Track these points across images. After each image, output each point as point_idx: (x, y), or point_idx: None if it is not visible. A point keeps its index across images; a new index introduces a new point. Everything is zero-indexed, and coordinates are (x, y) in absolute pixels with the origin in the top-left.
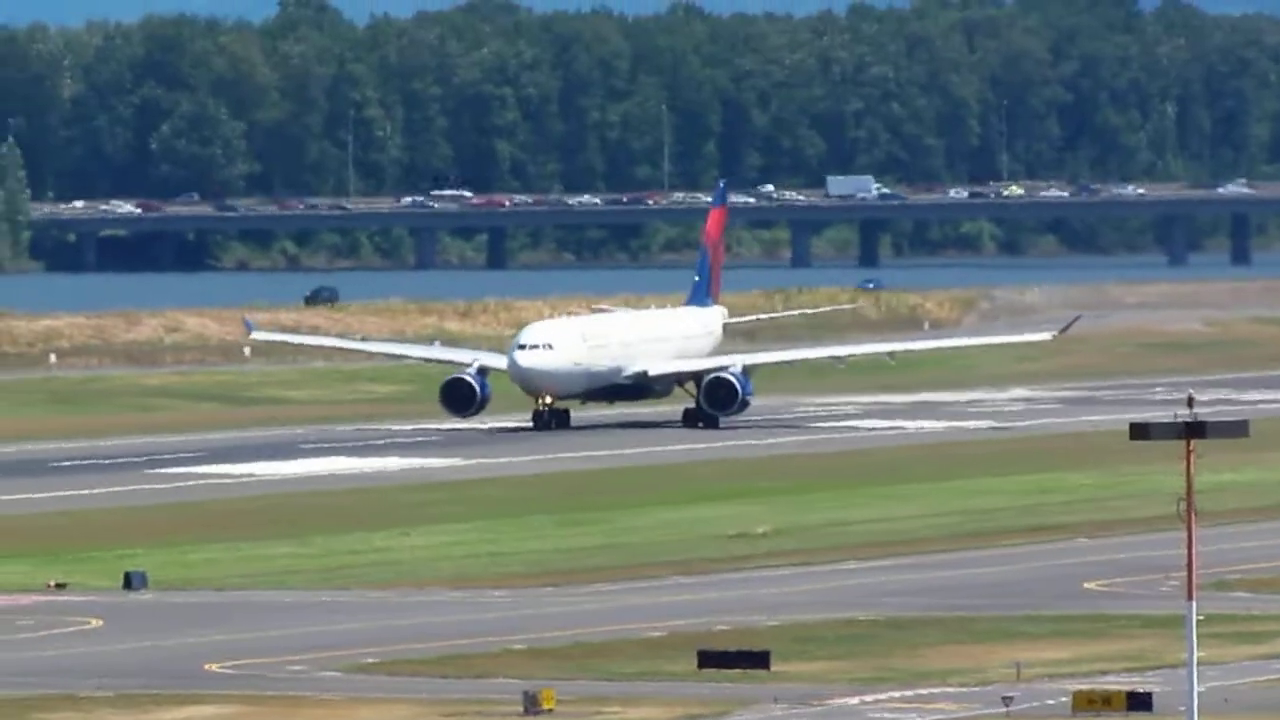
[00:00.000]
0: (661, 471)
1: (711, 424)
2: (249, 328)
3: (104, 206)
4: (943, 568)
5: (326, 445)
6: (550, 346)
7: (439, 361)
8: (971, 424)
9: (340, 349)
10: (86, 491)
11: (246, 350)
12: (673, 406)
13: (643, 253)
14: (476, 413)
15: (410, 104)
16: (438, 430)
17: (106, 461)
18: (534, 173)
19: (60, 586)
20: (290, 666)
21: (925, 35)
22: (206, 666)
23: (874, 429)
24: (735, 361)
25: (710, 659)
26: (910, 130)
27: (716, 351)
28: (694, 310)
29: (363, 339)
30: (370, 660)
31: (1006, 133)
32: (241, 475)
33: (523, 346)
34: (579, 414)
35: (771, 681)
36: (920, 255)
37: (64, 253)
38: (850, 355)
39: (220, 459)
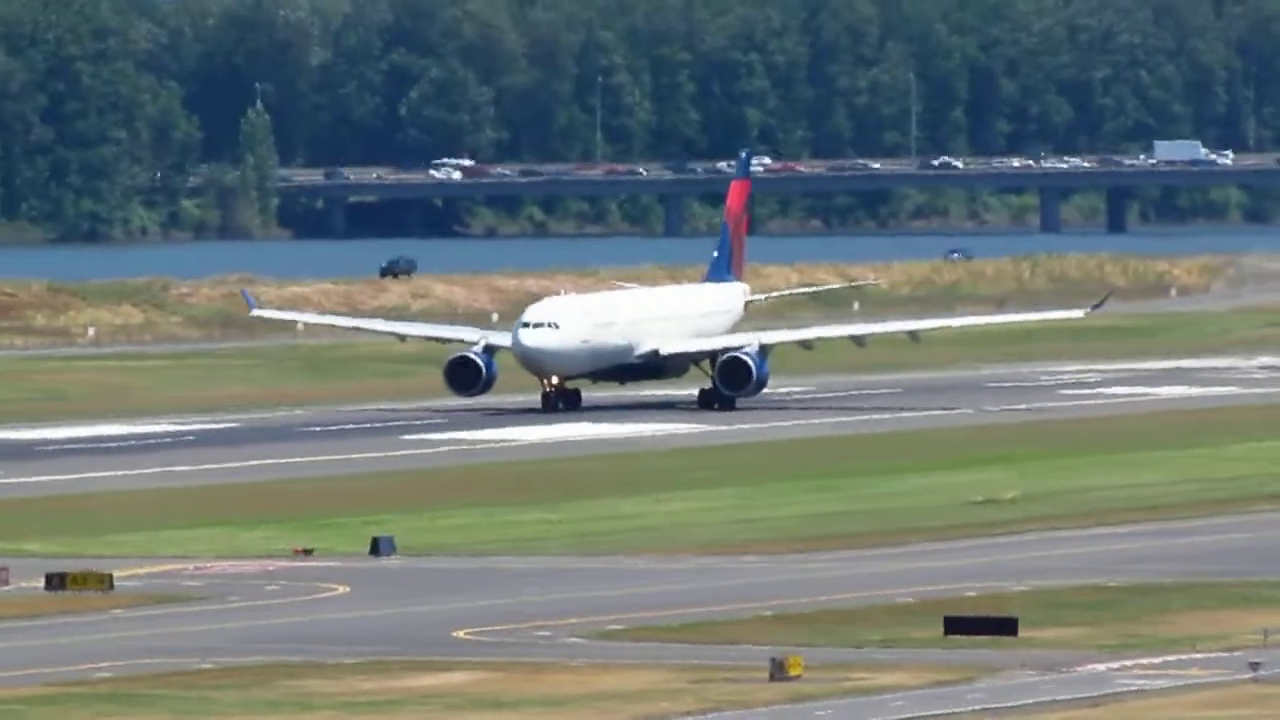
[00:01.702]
0: (911, 437)
1: (727, 405)
2: (250, 304)
3: (352, 173)
4: (1190, 534)
5: (576, 411)
6: (555, 325)
7: (445, 340)
8: (1219, 390)
9: (343, 327)
10: (335, 457)
11: (495, 316)
12: (688, 389)
13: (891, 220)
14: (482, 392)
15: (658, 70)
16: (678, 397)
17: (354, 427)
18: (782, 139)
19: (307, 552)
20: (537, 633)
21: (1172, 2)
22: (454, 633)
23: (1122, 395)
24: (752, 340)
25: (957, 625)
26: (1157, 97)
27: (737, 328)
28: (712, 287)
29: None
30: (616, 627)
31: (1254, 99)
32: (491, 440)
33: (526, 325)
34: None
35: (1019, 648)
36: (1168, 223)
37: (312, 219)
38: (871, 334)
39: (469, 425)
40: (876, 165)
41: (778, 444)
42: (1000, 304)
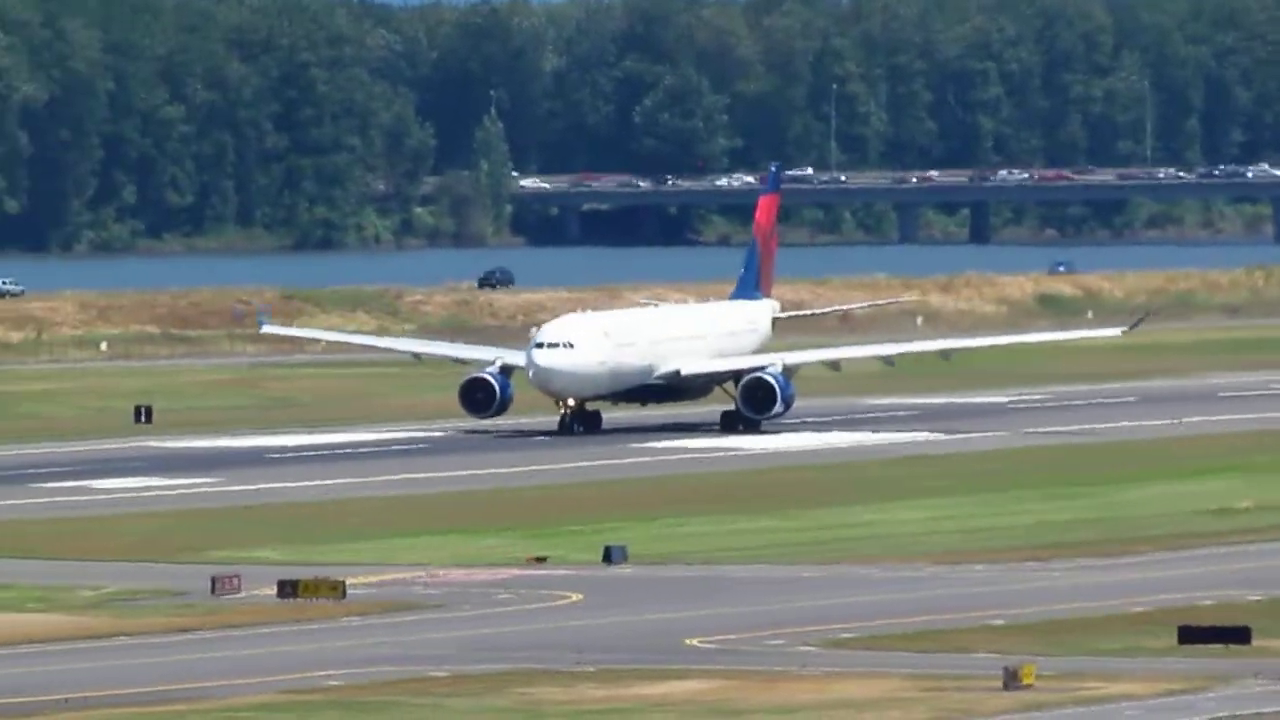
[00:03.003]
0: (1141, 447)
1: (751, 428)
2: (260, 322)
3: (586, 180)
4: None
5: (809, 420)
6: (571, 345)
7: (459, 360)
8: None
9: (359, 345)
10: (568, 465)
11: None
12: (712, 411)
13: (1125, 229)
14: (497, 414)
15: (893, 78)
16: (912, 405)
17: (589, 434)
18: (1016, 148)
19: (540, 560)
20: (769, 641)
21: None
22: (686, 641)
23: None
24: (775, 361)
25: (1191, 635)
26: None
27: (766, 348)
28: (738, 304)
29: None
30: (848, 635)
31: None
32: (723, 449)
33: (541, 345)
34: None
35: (1252, 657)
36: None
37: (546, 226)
38: (898, 354)
39: (701, 433)
40: (1110, 174)
41: (1008, 453)
42: (1234, 312)
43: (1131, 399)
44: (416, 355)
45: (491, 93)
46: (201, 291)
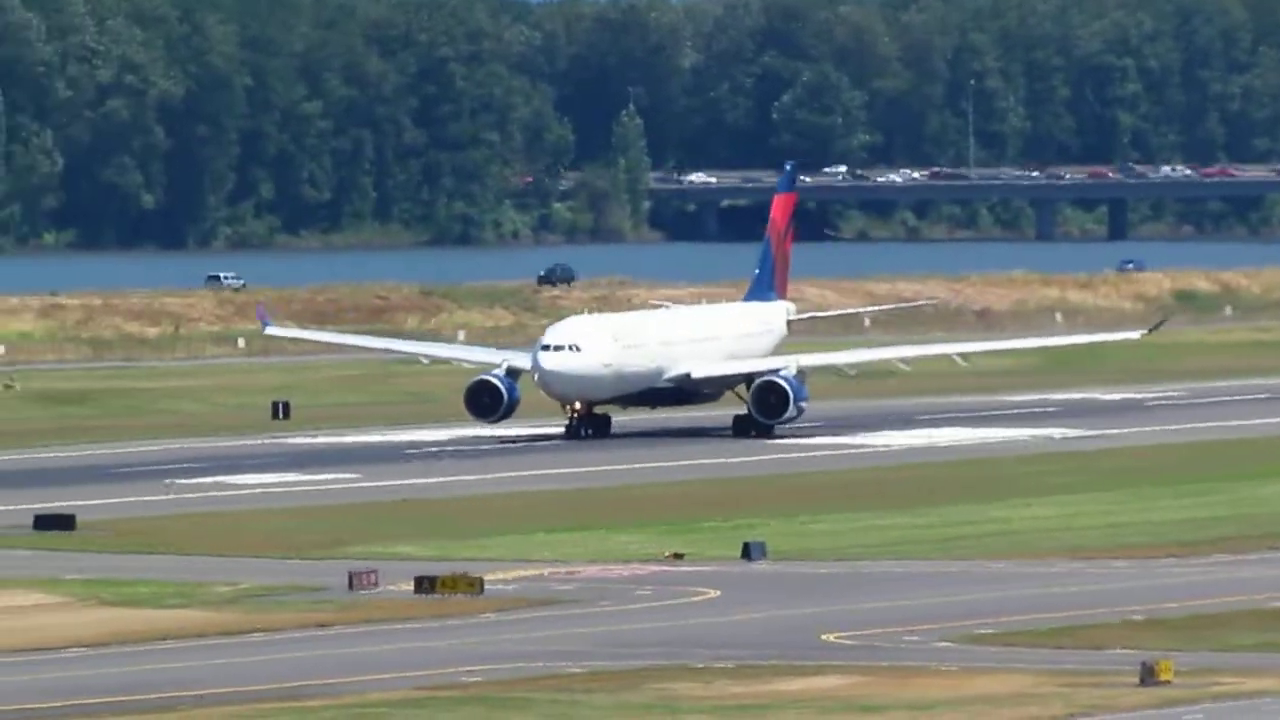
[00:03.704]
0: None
1: (764, 433)
2: (264, 322)
3: (724, 176)
4: None
5: (943, 416)
6: (577, 348)
7: (466, 362)
8: None
9: (363, 346)
10: (706, 461)
11: (867, 322)
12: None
13: (1263, 226)
14: (503, 418)
15: (1032, 74)
16: (1051, 401)
17: (724, 430)
18: (1155, 144)
19: (678, 557)
20: (905, 637)
21: None
22: (824, 637)
23: None
24: (789, 363)
25: None
26: None
27: (780, 350)
28: (752, 306)
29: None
30: (985, 631)
31: None
32: (858, 446)
33: (546, 347)
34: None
35: None
36: None
37: (684, 222)
38: (915, 357)
39: (836, 429)
40: (1248, 171)
41: (1142, 449)
42: None
43: (1263, 395)
44: (424, 358)
45: (629, 88)
46: (339, 287)
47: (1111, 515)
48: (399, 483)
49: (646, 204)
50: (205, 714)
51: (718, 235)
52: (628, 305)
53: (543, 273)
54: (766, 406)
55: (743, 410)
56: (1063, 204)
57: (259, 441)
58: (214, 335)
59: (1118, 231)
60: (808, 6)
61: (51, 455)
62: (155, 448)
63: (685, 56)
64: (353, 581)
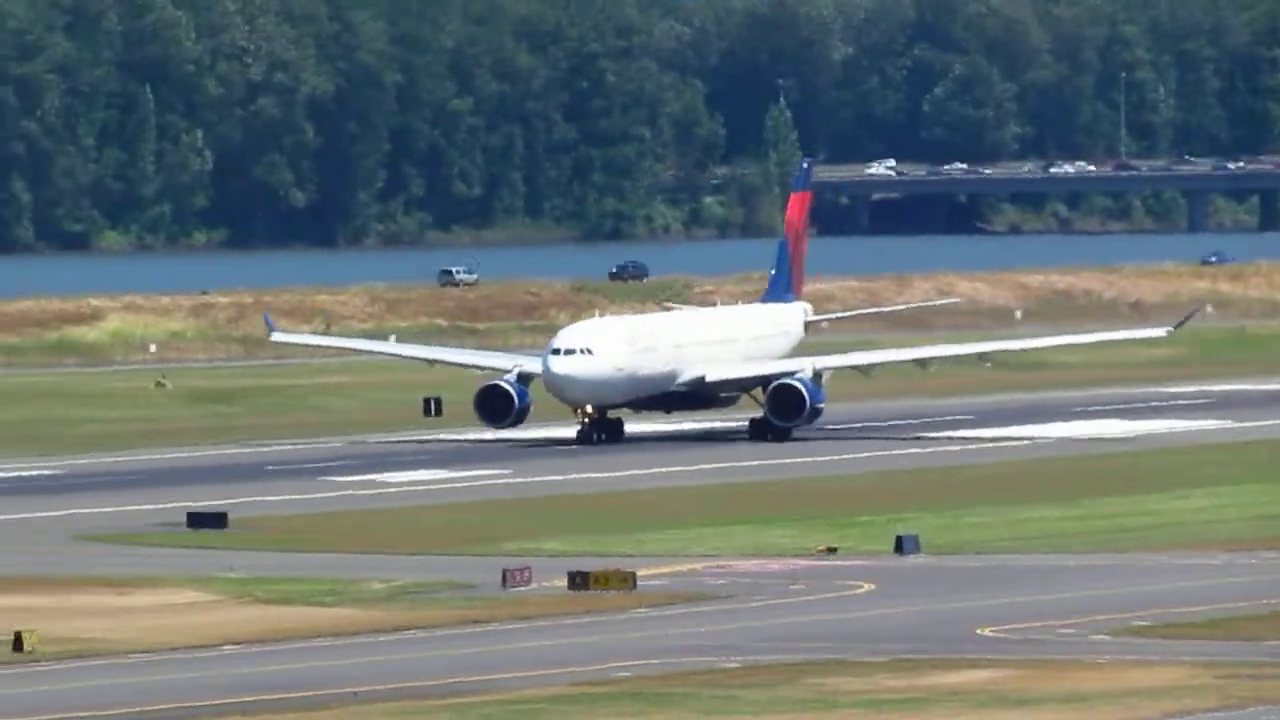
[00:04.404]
0: None
1: (781, 436)
2: (270, 328)
3: (875, 169)
4: None
5: (1097, 408)
6: (589, 351)
7: (476, 367)
8: None
9: (369, 350)
10: (859, 455)
11: (1018, 314)
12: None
13: None
14: (515, 423)
15: (1182, 65)
16: (1207, 393)
17: (876, 424)
18: None
19: (831, 551)
20: (1061, 630)
21: None
22: (978, 630)
23: None
24: (805, 365)
25: None
26: None
27: (797, 352)
28: (768, 307)
29: (394, 339)
30: (1141, 623)
31: None
32: (1011, 438)
33: (557, 351)
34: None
35: None
36: None
37: (836, 215)
38: (936, 357)
39: (990, 422)
40: None
41: None
42: None
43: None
44: (431, 362)
45: (780, 82)
46: (490, 284)
47: (1266, 506)
48: (550, 478)
49: None
50: (359, 711)
51: (869, 229)
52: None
53: (614, 269)
54: (783, 409)
55: (759, 414)
56: (1214, 195)
57: (410, 438)
58: (365, 332)
59: (1269, 222)
60: None
61: (203, 453)
62: (306, 445)
63: (836, 50)
64: (506, 578)
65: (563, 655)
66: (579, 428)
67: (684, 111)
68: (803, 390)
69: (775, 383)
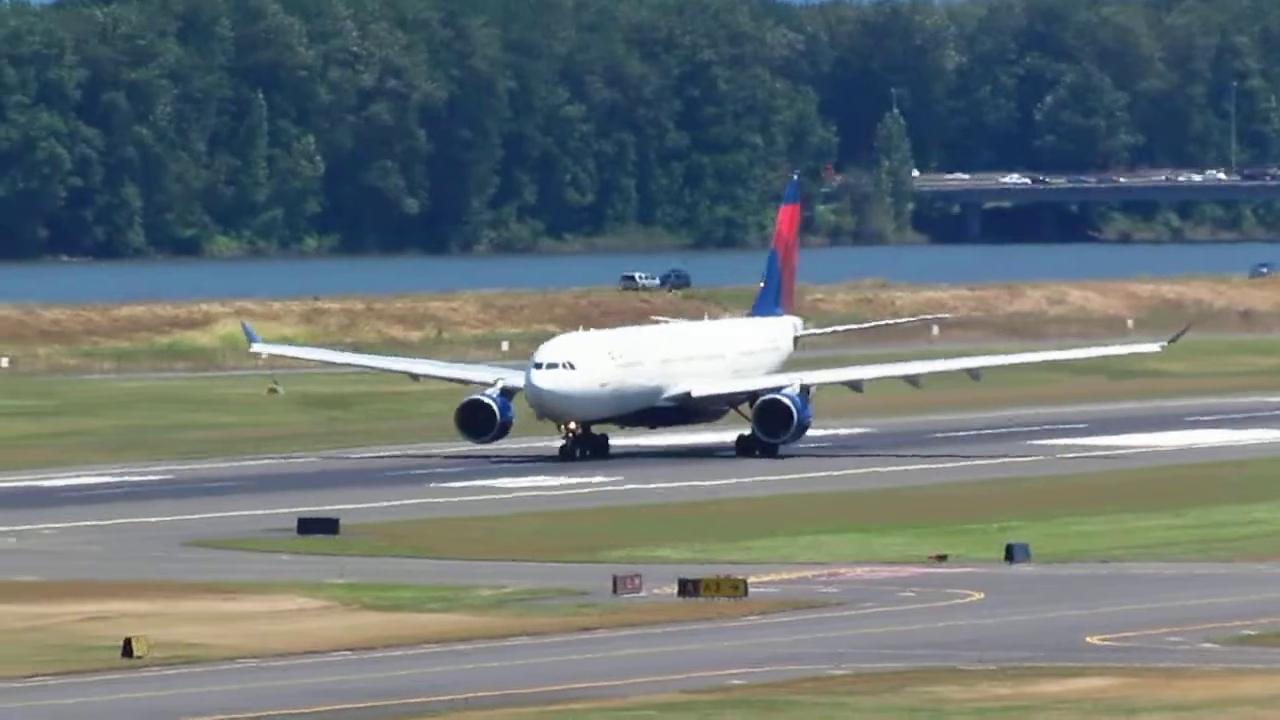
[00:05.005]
0: None
1: (769, 452)
2: (251, 338)
3: (988, 178)
4: None
5: (1207, 417)
6: (572, 365)
7: (458, 380)
8: None
9: (351, 365)
10: (968, 463)
11: (1129, 323)
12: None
13: None
14: (497, 438)
15: None
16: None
17: (988, 433)
18: None
19: (941, 558)
20: (1169, 639)
21: None
22: (1087, 639)
23: None
24: (793, 381)
25: None
26: None
27: (786, 368)
28: (756, 322)
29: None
30: (1250, 632)
31: None
32: (1121, 447)
33: (540, 365)
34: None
35: None
36: None
37: (948, 224)
38: (926, 373)
39: (1100, 431)
40: None
41: None
42: None
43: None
44: (414, 376)
45: (893, 90)
46: (602, 290)
47: None
48: (659, 486)
49: (910, 206)
50: (470, 717)
51: (980, 237)
52: (890, 307)
53: (660, 278)
54: (770, 425)
55: (747, 430)
56: None
57: (522, 444)
58: (477, 339)
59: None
60: (1070, 7)
61: (315, 459)
62: (417, 451)
63: (948, 58)
64: (617, 585)
65: (673, 662)
66: (562, 443)
67: (796, 119)
68: (790, 406)
69: (762, 399)
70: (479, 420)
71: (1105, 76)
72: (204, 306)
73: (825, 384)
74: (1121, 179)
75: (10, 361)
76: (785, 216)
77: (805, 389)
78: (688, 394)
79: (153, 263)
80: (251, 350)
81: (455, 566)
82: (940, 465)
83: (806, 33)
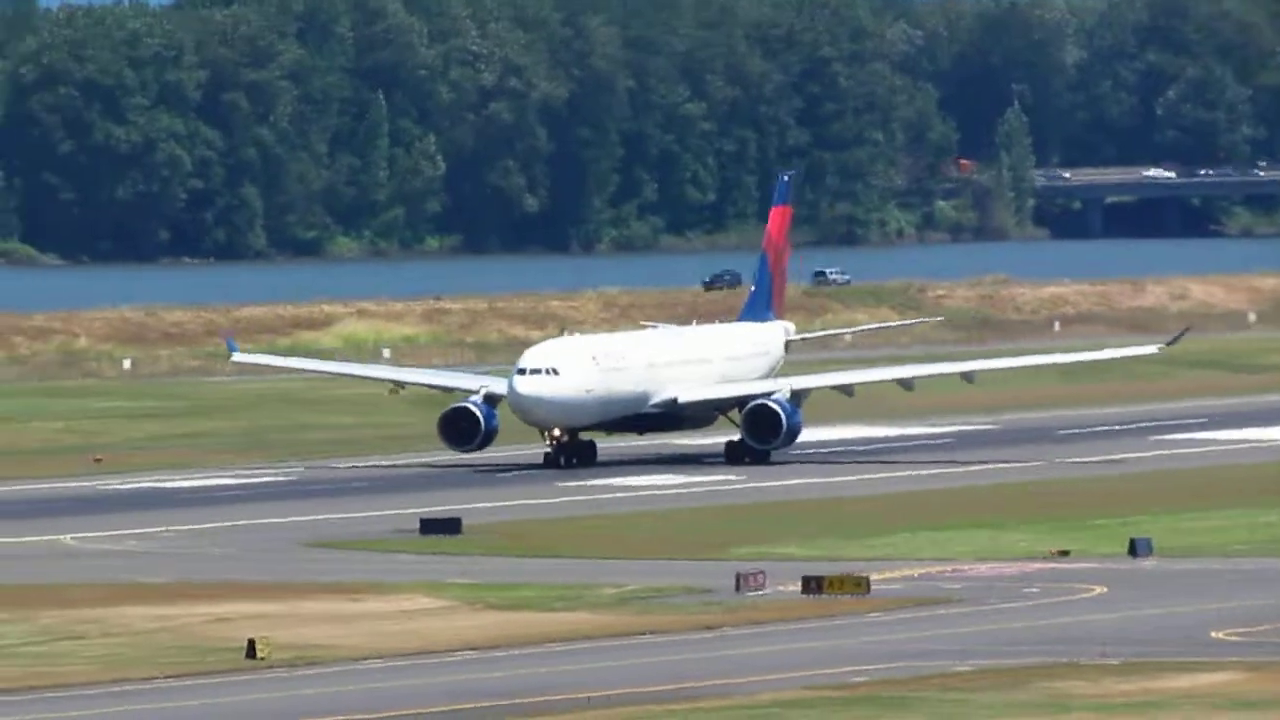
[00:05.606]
0: None
1: (759, 459)
2: (231, 348)
3: (1108, 173)
4: None
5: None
6: (555, 371)
7: (441, 388)
8: None
9: (333, 373)
10: (1091, 459)
11: (1251, 316)
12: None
13: None
14: (481, 446)
15: None
16: None
17: (1111, 428)
18: None
19: (1064, 554)
20: None
21: None
22: (1213, 634)
23: None
24: (783, 386)
25: None
26: None
27: (777, 373)
28: (746, 326)
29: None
30: None
31: None
32: (1246, 441)
33: (523, 371)
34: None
35: None
36: None
37: (1069, 219)
38: (918, 377)
39: (1224, 425)
40: None
41: None
42: None
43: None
44: (398, 384)
45: (1013, 86)
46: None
47: None
48: (780, 483)
49: (1031, 202)
50: (595, 715)
51: (1102, 232)
52: (1012, 303)
53: (708, 279)
54: (759, 431)
55: (736, 436)
56: None
57: (641, 443)
58: None
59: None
60: (1191, 2)
61: (437, 459)
62: (538, 450)
63: (1069, 53)
64: (740, 582)
65: (797, 659)
66: (546, 451)
67: (917, 115)
68: (779, 411)
69: (751, 404)
70: (462, 429)
71: (1226, 70)
72: (324, 307)
73: (815, 389)
74: (1251, 173)
75: (132, 363)
76: (775, 218)
77: (796, 394)
78: (674, 400)
79: (273, 264)
80: (232, 361)
81: (577, 565)
82: (1063, 460)
83: (926, 28)
